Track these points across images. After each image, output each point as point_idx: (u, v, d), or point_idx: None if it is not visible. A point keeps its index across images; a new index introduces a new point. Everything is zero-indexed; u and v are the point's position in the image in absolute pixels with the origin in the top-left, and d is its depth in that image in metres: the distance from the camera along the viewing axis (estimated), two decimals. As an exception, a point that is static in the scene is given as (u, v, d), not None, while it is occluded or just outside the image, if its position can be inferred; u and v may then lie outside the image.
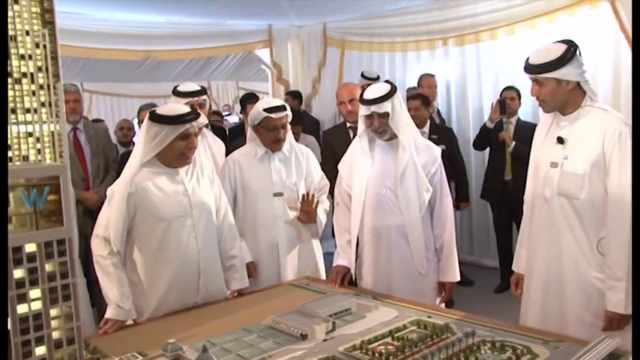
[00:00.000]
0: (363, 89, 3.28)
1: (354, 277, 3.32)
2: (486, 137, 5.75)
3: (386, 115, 3.10)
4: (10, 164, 1.77)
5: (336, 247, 3.40)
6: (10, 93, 2.63)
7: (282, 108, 3.53)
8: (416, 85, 6.37)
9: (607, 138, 2.58)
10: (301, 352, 2.23)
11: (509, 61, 5.87)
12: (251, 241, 3.59)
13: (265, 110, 3.49)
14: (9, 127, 2.49)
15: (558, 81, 2.63)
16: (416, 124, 3.37)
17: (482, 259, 6.47)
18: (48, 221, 1.66)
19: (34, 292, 1.63)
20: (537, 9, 5.59)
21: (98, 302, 4.33)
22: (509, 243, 5.67)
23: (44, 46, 2.75)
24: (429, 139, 4.20)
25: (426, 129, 5.39)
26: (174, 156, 2.90)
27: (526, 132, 5.39)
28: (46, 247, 1.64)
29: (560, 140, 2.72)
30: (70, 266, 1.68)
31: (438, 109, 6.46)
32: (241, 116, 7.63)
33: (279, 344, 2.31)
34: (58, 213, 1.67)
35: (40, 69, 2.74)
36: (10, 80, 2.63)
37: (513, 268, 3.08)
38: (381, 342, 2.27)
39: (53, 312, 1.66)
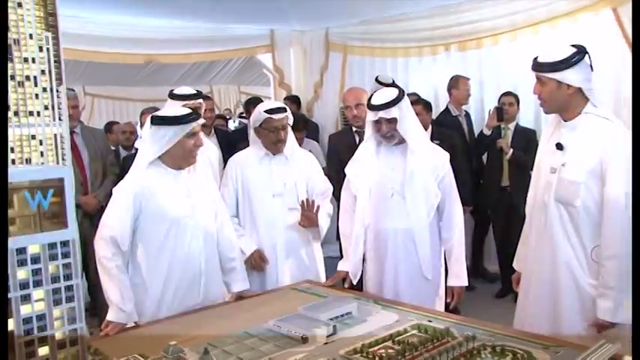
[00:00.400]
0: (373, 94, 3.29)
1: (354, 282, 3.32)
2: (483, 144, 5.72)
3: (394, 120, 3.10)
4: (13, 167, 1.77)
5: (340, 250, 3.41)
6: (13, 96, 2.65)
7: (282, 109, 3.57)
8: (447, 86, 6.21)
9: (604, 147, 2.58)
10: (302, 355, 2.24)
11: (511, 68, 5.88)
12: (251, 241, 3.61)
13: (266, 112, 3.52)
14: (12, 129, 2.50)
15: (559, 83, 2.63)
16: None
17: (483, 264, 6.46)
18: (51, 223, 1.67)
19: (38, 293, 1.63)
20: (539, 15, 5.60)
21: (99, 309, 4.33)
22: (508, 249, 5.66)
23: (47, 50, 2.76)
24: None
25: (428, 133, 5.35)
26: (183, 154, 2.94)
27: (524, 138, 5.42)
28: (50, 248, 1.65)
29: (559, 146, 2.72)
30: (74, 267, 1.69)
31: (467, 112, 6.27)
32: (240, 120, 7.65)
33: (280, 347, 2.32)
34: (61, 215, 1.68)
35: (43, 72, 2.75)
36: (12, 83, 2.64)
37: (514, 266, 3.08)
38: (381, 346, 2.27)
39: (56, 313, 1.67)
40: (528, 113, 5.81)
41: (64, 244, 1.68)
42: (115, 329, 2.72)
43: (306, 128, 6.16)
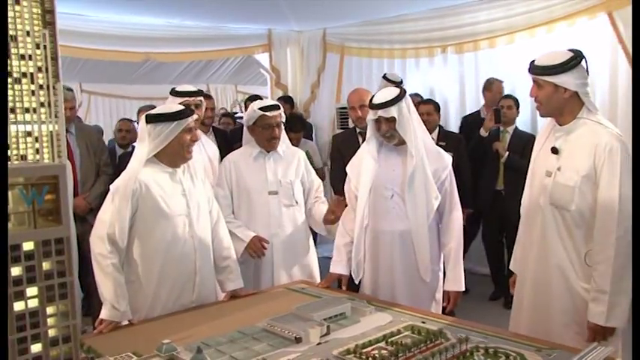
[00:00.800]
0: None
1: (356, 281, 3.32)
2: (479, 146, 5.67)
3: (392, 119, 3.09)
4: (8, 163, 1.78)
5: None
6: (10, 92, 2.64)
7: (276, 107, 3.63)
8: (482, 87, 6.13)
9: (598, 152, 2.58)
10: (295, 355, 2.24)
11: (508, 70, 5.88)
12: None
13: (260, 109, 3.56)
14: (8, 126, 2.50)
15: (556, 86, 2.64)
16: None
17: (477, 266, 6.47)
18: (46, 220, 1.68)
19: (31, 290, 1.63)
20: (537, 18, 5.60)
21: (94, 309, 4.32)
22: (499, 253, 5.68)
23: (44, 47, 2.77)
24: (437, 145, 4.18)
25: (435, 135, 5.32)
26: (180, 150, 2.96)
27: (521, 142, 5.36)
28: (44, 245, 1.65)
29: (555, 150, 2.73)
30: (68, 265, 1.69)
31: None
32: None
33: (273, 347, 2.32)
34: (56, 212, 1.68)
35: (40, 69, 2.75)
36: (9, 80, 2.64)
37: (511, 267, 3.08)
38: (374, 346, 2.28)
39: (50, 310, 1.67)
40: (524, 115, 5.79)
41: (59, 241, 1.68)
42: (109, 327, 2.72)
43: (303, 129, 6.16)
